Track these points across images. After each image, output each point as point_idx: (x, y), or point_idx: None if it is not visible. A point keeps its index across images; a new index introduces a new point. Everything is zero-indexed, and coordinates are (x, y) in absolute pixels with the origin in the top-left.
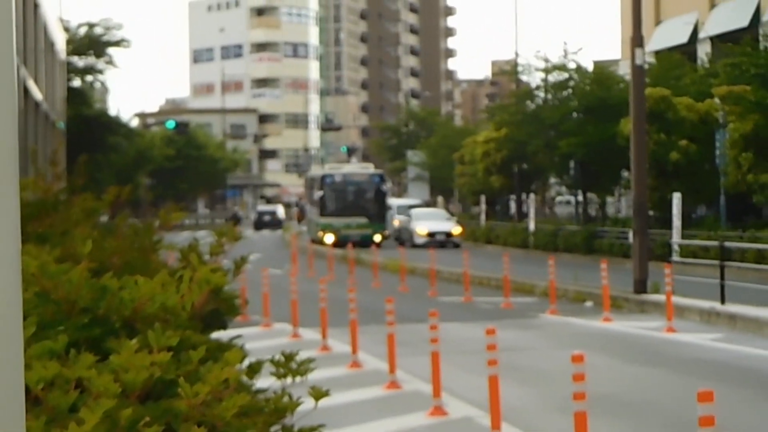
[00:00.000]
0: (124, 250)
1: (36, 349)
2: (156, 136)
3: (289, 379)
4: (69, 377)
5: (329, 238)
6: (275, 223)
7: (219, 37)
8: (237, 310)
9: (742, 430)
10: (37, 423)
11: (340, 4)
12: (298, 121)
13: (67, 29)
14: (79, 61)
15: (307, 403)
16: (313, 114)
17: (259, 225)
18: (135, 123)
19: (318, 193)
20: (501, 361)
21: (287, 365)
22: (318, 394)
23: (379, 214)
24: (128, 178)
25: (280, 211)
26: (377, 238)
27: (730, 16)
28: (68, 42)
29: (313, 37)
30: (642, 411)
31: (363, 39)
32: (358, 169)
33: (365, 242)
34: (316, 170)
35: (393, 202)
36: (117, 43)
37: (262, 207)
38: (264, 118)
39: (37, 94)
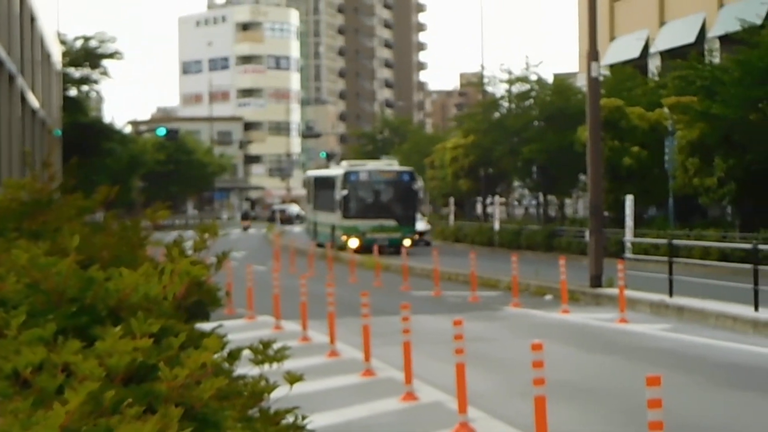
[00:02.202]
0: (113, 246)
1: (26, 336)
2: (148, 142)
3: (266, 366)
4: (56, 362)
5: (353, 243)
6: (287, 220)
7: (207, 50)
8: (219, 301)
9: (688, 412)
10: (24, 404)
11: (319, 20)
12: (281, 128)
13: (63, 42)
14: (76, 72)
15: (285, 388)
16: (294, 122)
17: (273, 221)
18: (128, 130)
19: (341, 193)
20: (467, 350)
21: (265, 352)
22: (293, 378)
23: (408, 216)
24: (122, 181)
25: (292, 209)
26: (407, 242)
27: (678, 33)
28: (65, 54)
29: (294, 50)
30: (596, 395)
31: (341, 52)
32: (383, 165)
33: (393, 247)
34: (317, 169)
35: None
36: (111, 56)
37: (278, 206)
38: (249, 126)
39: (35, 102)
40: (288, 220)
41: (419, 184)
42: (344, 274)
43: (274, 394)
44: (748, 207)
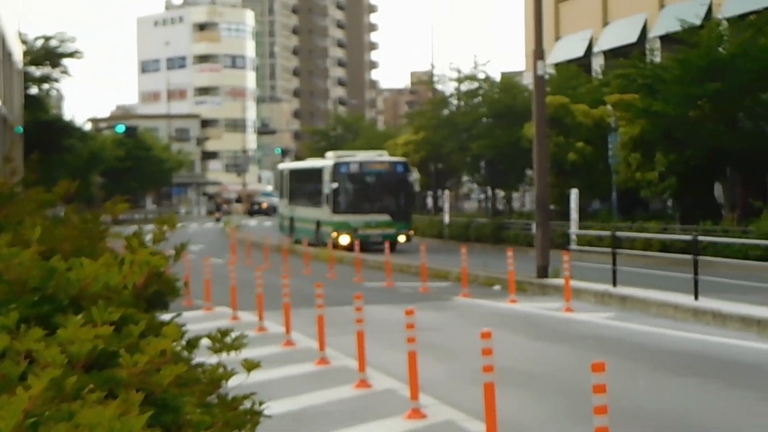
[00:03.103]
0: (74, 238)
1: None
2: (107, 138)
3: (224, 354)
4: (19, 349)
5: (344, 239)
6: (266, 212)
7: (165, 50)
8: (178, 291)
9: (632, 397)
10: None
11: (274, 20)
12: (237, 125)
13: (24, 41)
14: (36, 71)
15: (242, 376)
16: (250, 119)
17: (252, 212)
18: (88, 127)
19: (330, 186)
20: (419, 338)
21: (223, 341)
22: (250, 365)
23: (403, 211)
24: (82, 176)
25: (272, 200)
26: (401, 238)
27: (621, 33)
28: (26, 53)
29: (250, 50)
30: (543, 381)
31: (295, 52)
32: (375, 156)
33: (384, 243)
34: (288, 162)
35: None
36: (71, 55)
37: (257, 198)
38: (206, 123)
39: None
40: (274, 210)
41: (414, 176)
42: (299, 267)
43: (232, 382)
44: (687, 200)
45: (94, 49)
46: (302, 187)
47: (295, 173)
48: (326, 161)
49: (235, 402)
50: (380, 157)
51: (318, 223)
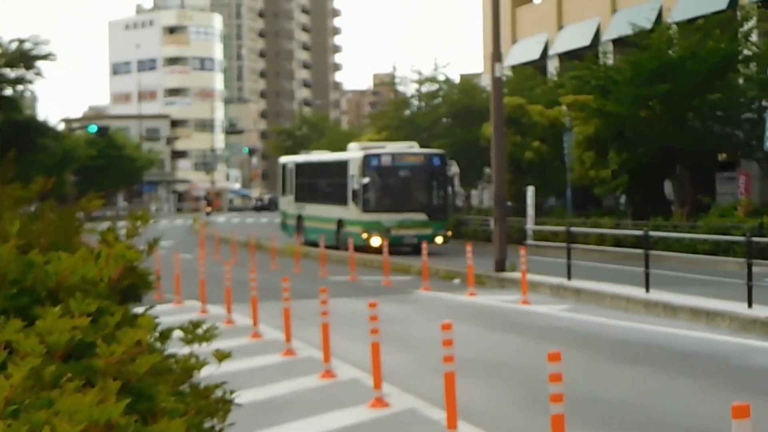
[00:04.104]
0: (51, 232)
1: None
2: (80, 138)
3: (196, 345)
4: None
5: (375, 241)
6: (265, 207)
7: (135, 52)
8: (151, 285)
9: (586, 385)
10: None
11: (241, 24)
12: (205, 125)
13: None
14: (11, 73)
15: (213, 367)
16: (218, 119)
17: (254, 208)
18: (61, 127)
19: (360, 181)
20: (382, 330)
21: (194, 332)
22: (221, 355)
23: (441, 208)
24: (55, 175)
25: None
26: (438, 239)
27: (575, 36)
28: (0, 55)
29: (218, 52)
30: (502, 371)
31: (262, 54)
32: (406, 147)
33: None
34: (293, 156)
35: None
36: (45, 57)
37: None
38: (175, 123)
39: None
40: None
41: (454, 169)
42: (266, 261)
43: (203, 372)
44: (639, 197)
45: (67, 52)
46: (315, 182)
47: (304, 167)
48: (351, 153)
49: (207, 391)
50: (410, 148)
51: (340, 223)
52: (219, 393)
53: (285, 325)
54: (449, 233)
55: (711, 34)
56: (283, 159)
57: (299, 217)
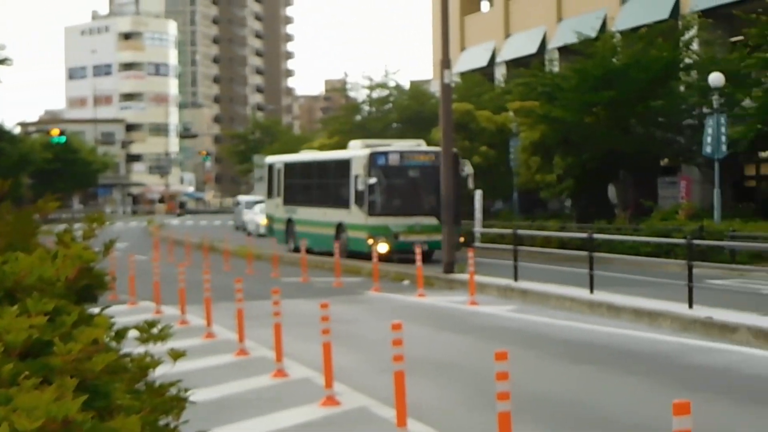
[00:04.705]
0: (7, 233)
1: None
2: (36, 142)
3: (151, 344)
4: None
5: (382, 248)
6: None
7: (91, 58)
8: (106, 285)
9: (532, 383)
10: None
11: (196, 30)
12: (160, 129)
13: None
14: None
15: (168, 366)
16: (172, 124)
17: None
18: (18, 131)
19: (365, 181)
20: (333, 330)
21: (149, 331)
22: (175, 354)
23: (453, 211)
24: (12, 178)
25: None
26: None
27: (522, 45)
28: None
29: (172, 58)
30: (450, 370)
31: (216, 60)
32: (414, 146)
33: (432, 251)
34: (280, 156)
35: (241, 198)
36: (1, 62)
37: (242, 197)
38: (130, 127)
39: None
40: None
41: (468, 169)
42: (219, 263)
43: (158, 372)
44: (583, 200)
45: (23, 57)
46: (309, 183)
47: (295, 167)
48: (354, 151)
49: (162, 389)
50: (418, 147)
51: (339, 227)
52: (173, 391)
53: (238, 326)
54: (462, 239)
55: (654, 42)
56: (270, 159)
57: (289, 222)
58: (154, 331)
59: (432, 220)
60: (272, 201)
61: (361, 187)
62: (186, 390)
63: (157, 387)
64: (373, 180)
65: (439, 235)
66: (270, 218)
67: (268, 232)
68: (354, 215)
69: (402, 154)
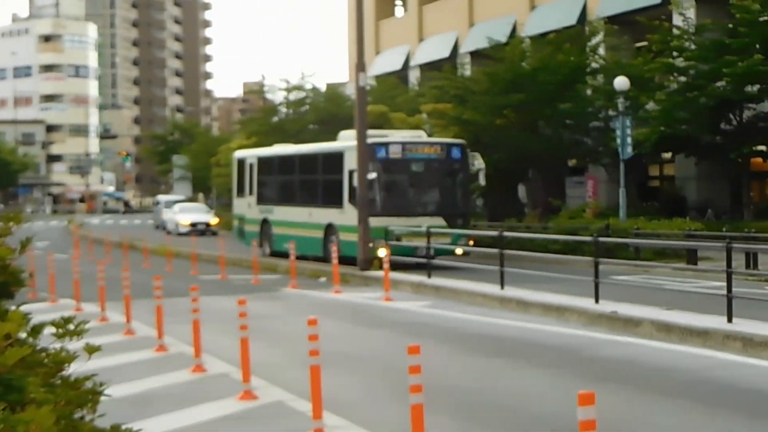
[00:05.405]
0: None
1: None
2: None
3: (68, 340)
4: None
5: (383, 252)
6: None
7: (11, 59)
8: (23, 282)
9: (445, 376)
10: None
11: (115, 33)
12: (80, 130)
13: None
14: None
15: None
16: (92, 125)
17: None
18: None
19: (364, 176)
20: (251, 326)
21: (65, 327)
22: (91, 349)
23: (462, 213)
24: None
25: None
26: (458, 250)
27: (435, 49)
28: None
29: (92, 60)
30: (365, 363)
31: (135, 62)
32: (415, 137)
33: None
34: (250, 150)
35: (161, 198)
36: None
37: (162, 197)
38: (51, 128)
39: None
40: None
41: (479, 163)
42: (138, 261)
43: (76, 368)
44: (495, 199)
45: None
46: (290, 179)
47: (272, 162)
48: (349, 143)
49: (77, 383)
50: (418, 138)
51: (329, 229)
52: (89, 384)
53: (157, 322)
54: (471, 243)
55: (561, 47)
56: (240, 153)
57: (264, 223)
58: (71, 327)
59: (438, 221)
60: (242, 200)
61: (357, 183)
62: (101, 384)
63: (72, 381)
64: (372, 175)
65: (447, 239)
66: (239, 219)
67: (236, 235)
68: (348, 215)
69: (404, 145)
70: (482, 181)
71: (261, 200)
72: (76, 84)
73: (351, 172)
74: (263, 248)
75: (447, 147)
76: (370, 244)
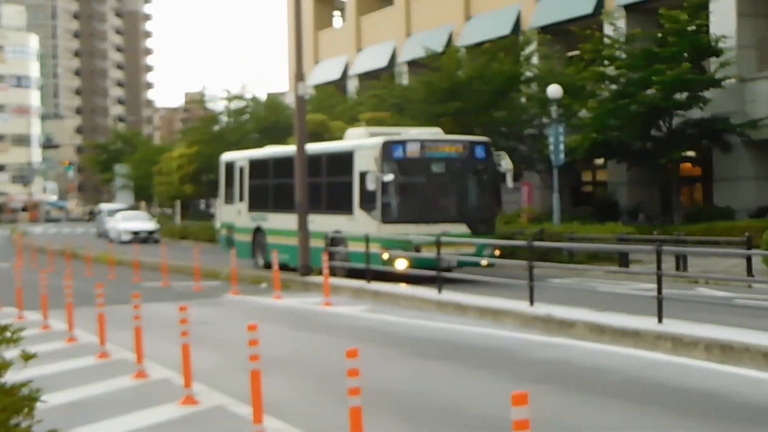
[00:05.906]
0: None
1: None
2: None
3: (4, 348)
4: None
5: (401, 264)
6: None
7: None
8: None
9: (382, 379)
10: None
11: (57, 44)
12: (23, 140)
13: None
14: None
15: (27, 371)
16: (35, 134)
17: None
18: None
19: (380, 178)
20: (192, 332)
21: (2, 334)
22: (26, 356)
23: (487, 219)
24: None
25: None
26: (483, 262)
27: (373, 58)
28: None
29: (34, 70)
30: (305, 367)
31: (77, 73)
32: (432, 134)
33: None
34: (239, 152)
35: (103, 206)
36: None
37: (104, 206)
38: None
39: None
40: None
41: (506, 164)
42: (81, 269)
43: (17, 376)
44: None
45: None
46: (287, 183)
47: (266, 165)
48: (359, 141)
49: (13, 389)
50: (436, 135)
51: (331, 240)
52: (25, 391)
53: (99, 329)
54: (497, 252)
55: (496, 57)
56: (228, 156)
57: (257, 231)
58: (7, 334)
59: (462, 228)
60: (231, 207)
61: (371, 186)
62: (38, 390)
63: (8, 388)
64: (389, 177)
65: (472, 248)
66: (228, 228)
67: (224, 245)
68: (359, 222)
69: (423, 143)
70: (510, 183)
71: (253, 207)
72: (18, 94)
73: (363, 174)
74: (256, 259)
75: (470, 145)
76: (385, 255)
